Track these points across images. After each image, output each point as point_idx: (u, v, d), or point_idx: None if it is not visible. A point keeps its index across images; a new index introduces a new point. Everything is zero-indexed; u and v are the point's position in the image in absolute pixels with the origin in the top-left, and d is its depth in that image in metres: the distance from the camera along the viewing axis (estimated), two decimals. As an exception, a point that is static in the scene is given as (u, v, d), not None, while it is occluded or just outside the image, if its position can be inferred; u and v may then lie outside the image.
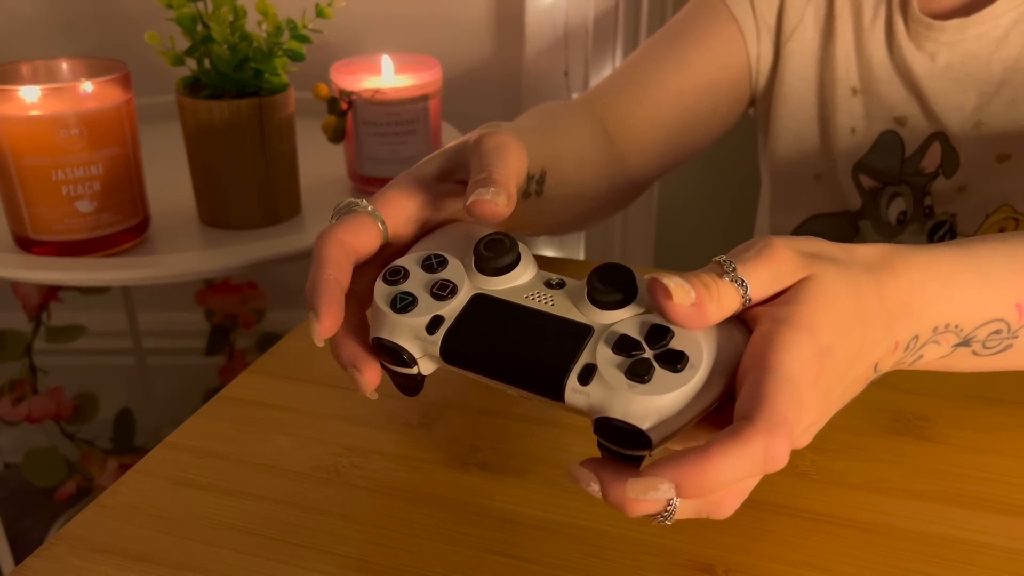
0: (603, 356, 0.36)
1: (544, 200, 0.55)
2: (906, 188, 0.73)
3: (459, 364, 0.38)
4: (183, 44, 0.86)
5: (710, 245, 1.77)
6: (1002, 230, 0.69)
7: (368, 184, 0.98)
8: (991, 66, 0.67)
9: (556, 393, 0.36)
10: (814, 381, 0.35)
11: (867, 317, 0.38)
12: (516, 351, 0.37)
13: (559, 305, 0.38)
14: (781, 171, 0.79)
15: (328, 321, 0.39)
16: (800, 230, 0.79)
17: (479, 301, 0.39)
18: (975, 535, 0.42)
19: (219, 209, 0.90)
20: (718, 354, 0.36)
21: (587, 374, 0.35)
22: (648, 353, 0.35)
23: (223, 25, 0.83)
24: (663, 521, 0.34)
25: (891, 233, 0.75)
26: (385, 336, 0.39)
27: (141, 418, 1.49)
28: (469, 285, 0.40)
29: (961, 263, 0.42)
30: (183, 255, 0.84)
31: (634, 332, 0.36)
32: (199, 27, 0.85)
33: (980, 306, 0.42)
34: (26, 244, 0.83)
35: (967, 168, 0.70)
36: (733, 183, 1.57)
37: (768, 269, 0.37)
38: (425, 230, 0.46)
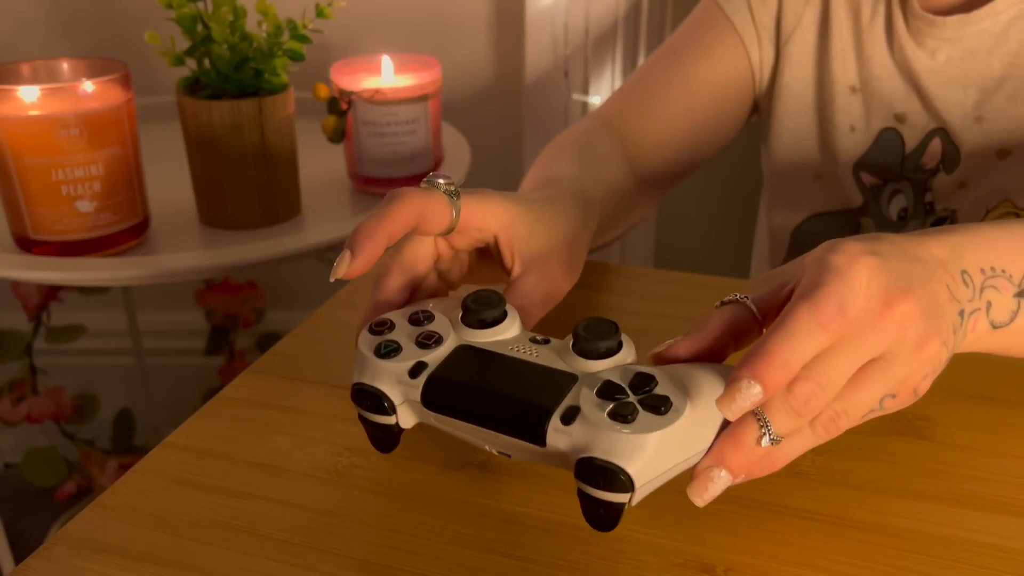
0: (587, 399, 0.36)
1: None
2: (907, 184, 0.73)
3: (439, 409, 0.39)
4: (183, 44, 0.86)
5: (710, 245, 1.77)
6: None
7: (368, 184, 0.97)
8: (991, 62, 0.67)
9: (538, 435, 0.36)
10: (870, 272, 0.37)
11: (905, 248, 0.40)
12: (498, 396, 0.37)
13: (544, 357, 0.39)
14: (781, 171, 0.80)
15: (360, 263, 0.42)
16: (801, 228, 0.80)
17: (463, 350, 0.40)
18: (975, 535, 0.42)
19: (219, 209, 0.90)
20: (707, 405, 0.36)
21: (570, 415, 0.36)
22: (632, 398, 0.35)
23: (223, 25, 0.83)
24: (773, 441, 0.36)
25: (892, 230, 0.75)
26: (367, 381, 0.40)
27: (141, 418, 1.49)
28: (455, 337, 0.40)
29: (983, 227, 0.43)
30: (183, 255, 0.84)
31: (619, 379, 0.36)
32: (199, 27, 0.85)
33: (1019, 254, 0.42)
34: (26, 244, 0.83)
35: (968, 164, 0.70)
36: (733, 183, 1.57)
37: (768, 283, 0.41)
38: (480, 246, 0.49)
